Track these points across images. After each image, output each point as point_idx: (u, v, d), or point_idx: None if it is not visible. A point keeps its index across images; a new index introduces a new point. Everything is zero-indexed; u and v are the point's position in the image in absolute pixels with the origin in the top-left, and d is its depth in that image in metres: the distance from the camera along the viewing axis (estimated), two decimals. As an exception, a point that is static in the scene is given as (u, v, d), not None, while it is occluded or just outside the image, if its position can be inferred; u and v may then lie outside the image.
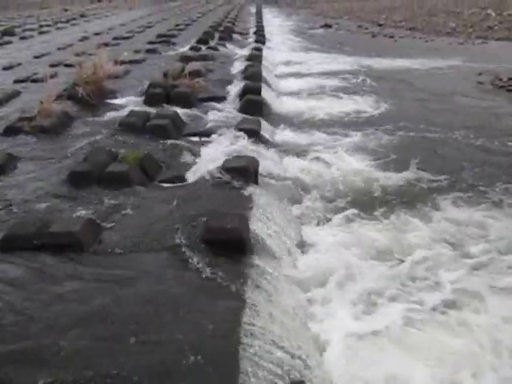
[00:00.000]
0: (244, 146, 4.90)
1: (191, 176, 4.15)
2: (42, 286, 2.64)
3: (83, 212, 3.44)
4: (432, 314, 2.81)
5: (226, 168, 4.05)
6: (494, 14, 19.56)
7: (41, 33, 16.41)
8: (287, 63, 11.49)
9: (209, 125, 5.70)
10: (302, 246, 3.53)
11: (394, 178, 4.66)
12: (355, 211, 4.01)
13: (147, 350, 2.16)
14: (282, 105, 7.49)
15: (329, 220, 3.93)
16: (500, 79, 9.02)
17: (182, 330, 2.29)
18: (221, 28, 16.23)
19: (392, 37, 16.29)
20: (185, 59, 9.41)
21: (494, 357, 2.49)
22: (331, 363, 2.41)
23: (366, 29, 18.86)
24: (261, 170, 4.29)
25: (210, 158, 4.50)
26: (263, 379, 2.05)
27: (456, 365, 2.43)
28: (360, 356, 2.46)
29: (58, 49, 12.24)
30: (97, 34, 15.51)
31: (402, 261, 3.32)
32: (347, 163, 5.05)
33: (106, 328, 2.28)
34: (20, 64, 10.01)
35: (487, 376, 2.36)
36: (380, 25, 20.00)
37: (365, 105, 7.51)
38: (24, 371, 2.03)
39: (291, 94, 8.33)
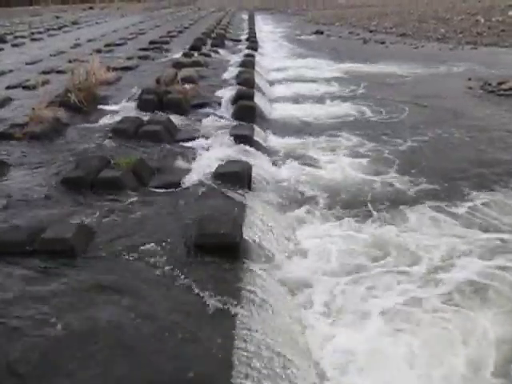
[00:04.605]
0: (237, 151, 4.92)
1: (184, 181, 4.14)
2: (33, 293, 2.62)
3: (76, 218, 3.42)
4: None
5: (220, 173, 4.06)
6: (483, 21, 19.83)
7: (33, 40, 16.38)
8: (280, 69, 11.55)
9: (202, 130, 5.71)
10: (296, 249, 3.54)
11: (384, 183, 4.69)
12: (349, 215, 4.03)
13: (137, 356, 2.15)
14: (275, 110, 7.53)
15: (322, 223, 3.94)
16: (489, 84, 9.13)
17: (176, 333, 2.28)
18: (213, 35, 16.30)
19: (383, 43, 16.43)
20: (177, 65, 9.43)
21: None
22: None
23: (358, 35, 19.00)
24: (254, 174, 4.31)
25: (203, 163, 4.51)
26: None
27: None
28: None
29: (50, 55, 12.22)
30: (89, 40, 15.51)
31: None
32: (339, 168, 5.07)
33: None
34: (12, 71, 9.98)
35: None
36: (371, 31, 20.17)
37: (356, 110, 7.56)
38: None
39: (284, 99, 8.37)
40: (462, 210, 4.11)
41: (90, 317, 2.38)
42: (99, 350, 2.16)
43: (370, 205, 4.25)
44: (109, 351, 2.16)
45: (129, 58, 11.07)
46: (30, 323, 2.34)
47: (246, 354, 2.15)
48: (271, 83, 9.83)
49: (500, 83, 8.99)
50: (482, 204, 4.21)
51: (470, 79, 9.79)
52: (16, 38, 16.64)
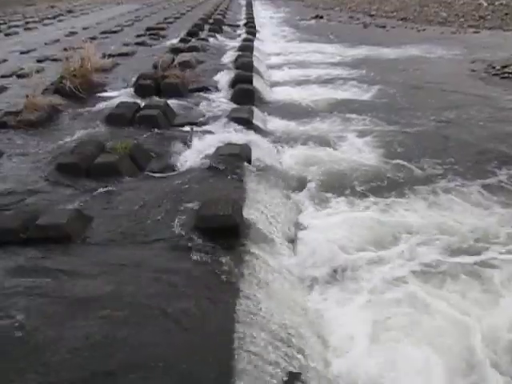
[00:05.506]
0: (236, 134, 4.81)
1: (183, 165, 4.06)
2: (29, 280, 2.53)
3: (71, 204, 3.33)
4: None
5: (219, 155, 3.96)
6: (485, 4, 19.48)
7: (27, 29, 16.12)
8: (278, 54, 11.36)
9: (200, 114, 5.58)
10: (296, 231, 3.44)
11: (384, 166, 4.58)
12: (347, 196, 3.94)
13: (138, 343, 2.06)
14: (274, 94, 7.39)
15: (322, 205, 3.84)
16: (493, 67, 8.96)
17: (175, 320, 2.20)
18: (211, 20, 16.05)
19: (384, 27, 16.17)
20: (175, 51, 9.27)
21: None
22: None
23: (358, 19, 18.71)
24: (253, 157, 4.21)
25: (202, 146, 4.41)
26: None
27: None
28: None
29: (45, 44, 12.02)
30: (85, 28, 15.26)
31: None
32: (338, 150, 4.96)
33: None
34: (6, 60, 9.81)
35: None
36: (371, 15, 19.87)
37: (357, 93, 7.41)
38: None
39: (283, 83, 8.21)
40: (489, 185, 4.13)
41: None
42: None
43: (370, 187, 4.15)
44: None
45: (125, 45, 10.89)
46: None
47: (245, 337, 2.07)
48: (270, 67, 9.66)
49: (504, 66, 8.82)
50: (509, 178, 4.22)
51: (473, 62, 9.61)
52: (10, 27, 16.38)
